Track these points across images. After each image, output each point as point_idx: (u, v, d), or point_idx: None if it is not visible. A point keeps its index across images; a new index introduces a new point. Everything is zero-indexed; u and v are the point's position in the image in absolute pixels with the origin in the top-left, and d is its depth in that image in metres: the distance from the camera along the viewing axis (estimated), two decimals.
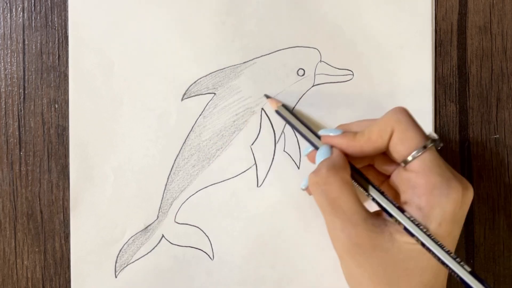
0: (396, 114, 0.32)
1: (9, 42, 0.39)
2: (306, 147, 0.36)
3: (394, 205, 0.31)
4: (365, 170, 0.35)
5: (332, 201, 0.31)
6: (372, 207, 0.32)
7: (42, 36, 0.39)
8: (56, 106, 0.39)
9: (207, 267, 0.39)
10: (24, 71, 0.39)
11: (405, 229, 0.30)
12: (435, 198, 0.30)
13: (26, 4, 0.39)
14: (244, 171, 0.39)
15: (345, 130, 0.34)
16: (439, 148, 0.31)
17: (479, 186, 0.40)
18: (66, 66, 0.39)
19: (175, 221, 0.39)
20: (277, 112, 0.37)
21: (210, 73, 0.39)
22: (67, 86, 0.39)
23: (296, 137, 0.39)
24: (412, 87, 0.39)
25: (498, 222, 0.40)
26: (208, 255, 0.39)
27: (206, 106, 0.39)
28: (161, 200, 0.39)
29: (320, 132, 0.35)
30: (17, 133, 0.39)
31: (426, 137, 0.31)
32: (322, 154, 0.33)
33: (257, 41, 0.39)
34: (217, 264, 0.39)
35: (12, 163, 0.39)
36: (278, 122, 0.39)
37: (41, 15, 0.39)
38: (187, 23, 0.39)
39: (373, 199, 0.32)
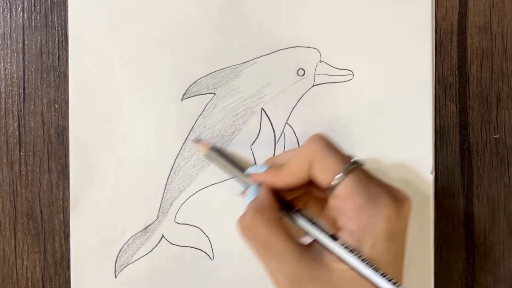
0: (312, 143, 0.32)
1: (9, 42, 0.39)
2: (240, 187, 0.36)
3: (326, 233, 0.31)
4: (305, 197, 0.35)
5: (262, 244, 0.31)
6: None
7: (42, 36, 0.39)
8: (56, 106, 0.39)
9: (207, 267, 0.39)
10: (24, 71, 0.39)
11: (339, 257, 0.29)
12: (363, 220, 0.29)
13: (26, 4, 0.39)
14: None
15: (272, 164, 0.34)
16: (362, 167, 0.31)
17: (479, 186, 0.40)
18: (66, 66, 0.39)
19: (175, 221, 0.39)
20: (206, 156, 0.38)
21: (210, 73, 0.39)
22: (67, 86, 0.39)
23: (296, 137, 0.39)
24: (412, 87, 0.39)
25: (498, 222, 0.40)
26: (208, 255, 0.39)
27: (206, 106, 0.39)
28: (161, 200, 0.39)
29: (247, 171, 0.35)
30: (17, 133, 0.39)
31: (347, 160, 0.31)
32: (249, 195, 0.33)
33: (257, 41, 0.39)
34: (217, 264, 0.39)
35: (12, 163, 0.39)
36: (278, 122, 0.39)
37: (41, 15, 0.39)
38: (187, 23, 0.39)
39: (305, 231, 0.32)
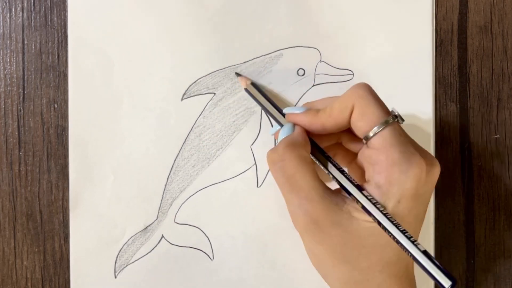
0: (357, 89, 0.31)
1: (8, 42, 0.39)
2: (274, 126, 0.36)
3: (352, 183, 0.30)
4: (334, 148, 0.35)
5: (288, 177, 0.30)
6: (335, 186, 0.32)
7: (41, 36, 0.39)
8: (56, 106, 0.39)
9: (207, 267, 0.39)
10: (23, 71, 0.39)
11: (363, 207, 0.29)
12: (394, 174, 0.29)
13: (25, 4, 0.39)
14: (244, 171, 0.39)
15: (310, 108, 0.33)
16: (401, 124, 0.31)
17: (479, 186, 0.40)
18: (66, 66, 0.39)
19: (175, 221, 0.39)
20: (246, 90, 0.37)
21: (210, 73, 0.39)
22: (67, 86, 0.39)
23: None
24: (412, 87, 0.39)
25: (498, 222, 0.40)
26: (208, 255, 0.39)
27: (206, 106, 0.39)
28: (161, 200, 0.39)
29: (285, 110, 0.34)
30: (16, 133, 0.39)
31: (388, 113, 0.30)
32: (284, 132, 0.33)
33: (257, 41, 0.39)
34: (217, 264, 0.39)
35: (11, 163, 0.39)
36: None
37: (41, 14, 0.39)
38: (187, 22, 0.39)
39: (332, 177, 0.31)
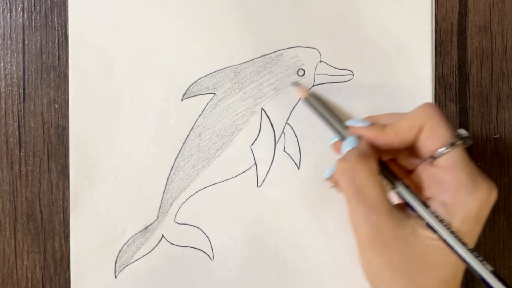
0: (426, 109, 0.32)
1: (9, 42, 0.39)
2: (332, 137, 0.36)
3: (418, 200, 0.31)
4: (390, 164, 0.35)
5: (358, 188, 0.31)
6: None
7: (42, 36, 0.39)
8: (56, 106, 0.39)
9: (207, 267, 0.39)
10: (24, 71, 0.39)
11: (428, 224, 0.30)
12: (460, 195, 0.30)
13: (26, 4, 0.39)
14: (244, 171, 0.39)
15: (374, 122, 0.34)
16: (468, 145, 0.31)
17: None
18: (66, 66, 0.39)
19: (175, 221, 0.39)
20: (306, 100, 0.37)
21: (210, 73, 0.39)
22: (67, 86, 0.39)
23: (296, 137, 0.39)
24: (412, 87, 0.39)
25: (498, 222, 0.40)
26: (208, 255, 0.39)
27: (206, 106, 0.39)
28: (161, 200, 0.39)
29: (348, 122, 0.35)
30: (17, 133, 0.39)
31: (455, 134, 0.31)
32: (349, 144, 0.33)
33: (257, 41, 0.39)
34: (217, 264, 0.39)
35: (12, 163, 0.39)
36: (278, 122, 0.39)
37: (41, 15, 0.39)
38: (187, 23, 0.39)
39: (398, 193, 0.32)
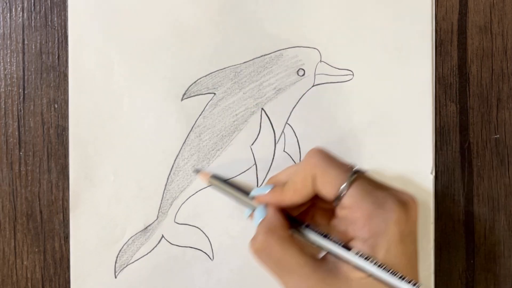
0: (312, 158, 0.32)
1: (8, 42, 0.39)
2: (247, 210, 0.36)
3: (339, 245, 0.31)
4: (312, 210, 0.35)
5: (277, 262, 0.31)
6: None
7: (41, 36, 0.39)
8: (56, 106, 0.39)
9: (207, 267, 0.39)
10: (23, 71, 0.39)
11: (355, 266, 0.30)
12: (374, 226, 0.29)
13: (25, 4, 0.39)
14: (244, 171, 0.39)
15: (275, 183, 0.34)
16: (364, 174, 0.31)
17: (479, 186, 0.40)
18: (66, 66, 0.39)
19: (175, 221, 0.39)
20: (210, 184, 0.38)
21: (210, 73, 0.39)
22: (67, 86, 0.39)
23: (296, 137, 0.39)
24: (412, 87, 0.39)
25: (498, 222, 0.40)
26: (208, 255, 0.39)
27: (206, 106, 0.39)
28: (161, 200, 0.39)
29: (252, 193, 0.35)
30: (16, 133, 0.39)
31: (348, 170, 0.31)
32: (258, 216, 0.33)
33: (257, 41, 0.39)
34: (217, 264, 0.39)
35: (11, 163, 0.39)
36: (278, 122, 0.39)
37: (41, 15, 0.39)
38: (187, 23, 0.39)
39: (318, 245, 0.32)
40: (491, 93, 0.40)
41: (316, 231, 0.32)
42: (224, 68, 0.39)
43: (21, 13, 0.39)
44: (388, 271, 0.29)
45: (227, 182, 0.37)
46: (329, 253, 0.31)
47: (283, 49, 0.39)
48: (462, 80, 0.40)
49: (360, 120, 0.39)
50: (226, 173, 0.39)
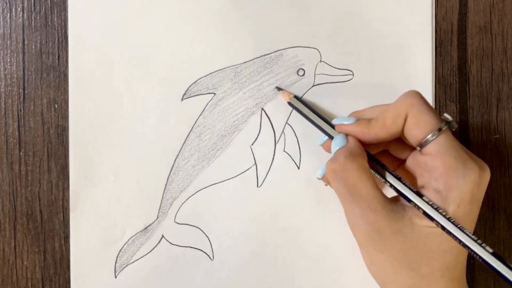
0: (409, 98, 0.31)
1: (8, 42, 0.39)
2: (321, 137, 0.36)
3: (412, 190, 0.31)
4: (379, 156, 0.35)
5: (350, 187, 0.31)
6: (390, 194, 0.32)
7: (42, 36, 0.39)
8: (56, 106, 0.39)
9: (207, 267, 0.39)
10: (23, 71, 0.39)
11: (424, 213, 0.30)
12: (452, 180, 0.29)
13: (26, 4, 0.39)
14: (244, 171, 0.39)
15: (359, 118, 0.34)
16: (453, 129, 0.31)
17: None
18: (66, 66, 0.39)
19: (175, 221, 0.39)
20: (290, 103, 0.37)
21: (210, 73, 0.39)
22: (67, 86, 0.39)
23: (296, 137, 0.39)
24: (412, 87, 0.39)
25: (498, 222, 0.40)
26: (208, 255, 0.39)
27: (206, 106, 0.39)
28: (161, 200, 0.39)
29: (334, 121, 0.35)
30: (16, 133, 0.39)
31: (441, 120, 0.31)
32: (338, 143, 0.33)
33: (257, 41, 0.39)
34: (217, 264, 0.39)
35: (11, 163, 0.39)
36: (278, 122, 0.39)
37: (41, 15, 0.39)
38: (187, 23, 0.39)
39: (391, 185, 0.32)
40: (491, 93, 0.40)
41: (392, 173, 0.32)
42: (224, 68, 0.39)
43: (21, 13, 0.39)
44: (457, 225, 0.29)
45: (308, 105, 0.37)
46: (399, 197, 0.32)
47: (283, 49, 0.39)
48: (462, 80, 0.40)
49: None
50: (226, 173, 0.39)
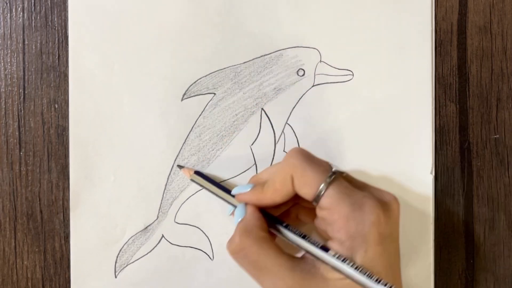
0: (291, 158, 0.32)
1: (9, 42, 0.39)
2: (229, 208, 0.36)
3: (317, 245, 0.31)
4: (296, 208, 0.35)
5: (253, 263, 0.31)
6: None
7: (42, 36, 0.39)
8: (56, 106, 0.39)
9: (207, 267, 0.39)
10: (24, 71, 0.39)
11: (333, 267, 0.30)
12: (352, 228, 0.29)
13: (26, 4, 0.39)
14: (244, 171, 0.39)
15: (256, 182, 0.34)
16: (344, 174, 0.31)
17: (479, 186, 0.40)
18: (66, 66, 0.39)
19: (175, 221, 0.39)
20: (192, 180, 0.38)
21: (210, 73, 0.39)
22: (67, 86, 0.39)
23: (296, 137, 0.39)
24: (412, 87, 0.39)
25: (498, 222, 0.40)
26: (208, 255, 0.39)
27: (206, 106, 0.39)
28: (161, 200, 0.39)
29: (233, 191, 0.35)
30: (17, 133, 0.39)
31: (327, 170, 0.31)
32: (237, 216, 0.34)
33: (257, 41, 0.39)
34: (217, 264, 0.39)
35: (12, 163, 0.39)
36: (278, 122, 0.39)
37: (41, 15, 0.39)
38: (187, 23, 0.39)
39: (296, 245, 0.32)
40: (490, 93, 0.40)
41: (294, 232, 0.32)
42: (224, 68, 0.39)
43: (21, 13, 0.39)
44: (365, 273, 0.29)
45: (209, 179, 0.37)
46: (308, 253, 0.31)
47: (283, 49, 0.39)
48: (462, 80, 0.40)
49: (360, 120, 0.39)
50: (226, 173, 0.39)
